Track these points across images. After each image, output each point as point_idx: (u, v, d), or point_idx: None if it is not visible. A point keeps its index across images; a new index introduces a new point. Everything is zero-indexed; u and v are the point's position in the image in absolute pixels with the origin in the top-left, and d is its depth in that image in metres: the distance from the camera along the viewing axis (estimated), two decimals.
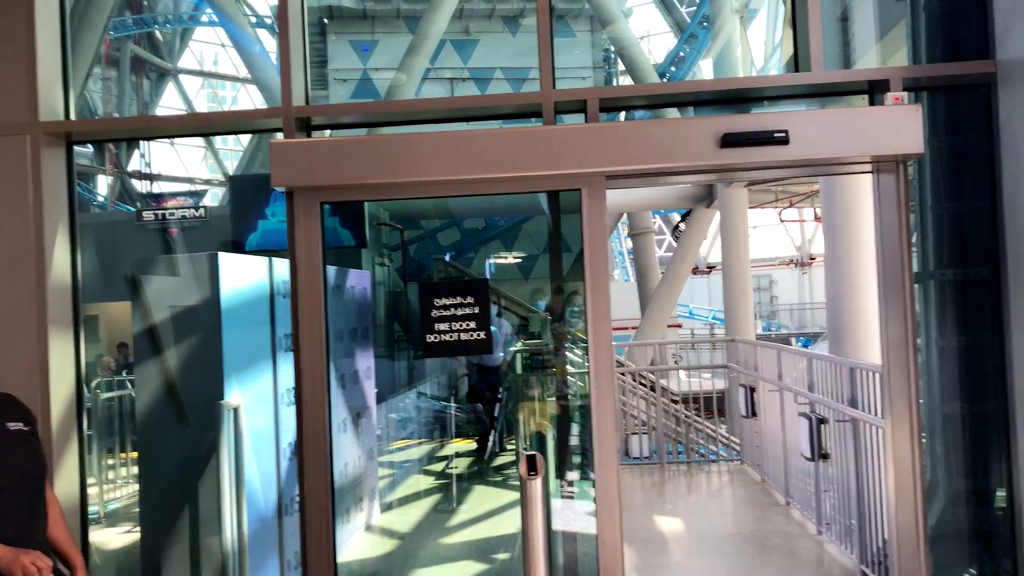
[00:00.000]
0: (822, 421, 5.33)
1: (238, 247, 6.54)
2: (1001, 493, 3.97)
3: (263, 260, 4.90)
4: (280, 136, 3.95)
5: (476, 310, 3.74)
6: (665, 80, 14.91)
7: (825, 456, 5.36)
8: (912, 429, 3.69)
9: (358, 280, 6.15)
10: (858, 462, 4.98)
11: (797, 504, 6.44)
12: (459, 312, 3.74)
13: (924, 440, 3.95)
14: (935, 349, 4.07)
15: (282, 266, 4.85)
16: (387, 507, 6.56)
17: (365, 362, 6.14)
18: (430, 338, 3.73)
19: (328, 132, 4.47)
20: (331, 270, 5.36)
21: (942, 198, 4.06)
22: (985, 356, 3.96)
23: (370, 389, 6.27)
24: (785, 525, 6.10)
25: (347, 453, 5.63)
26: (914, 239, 4.13)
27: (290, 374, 3.86)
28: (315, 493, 3.73)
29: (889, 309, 3.78)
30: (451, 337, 3.73)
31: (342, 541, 5.33)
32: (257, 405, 4.61)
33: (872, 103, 3.92)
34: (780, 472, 6.80)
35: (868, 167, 3.82)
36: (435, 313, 3.74)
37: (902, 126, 3.52)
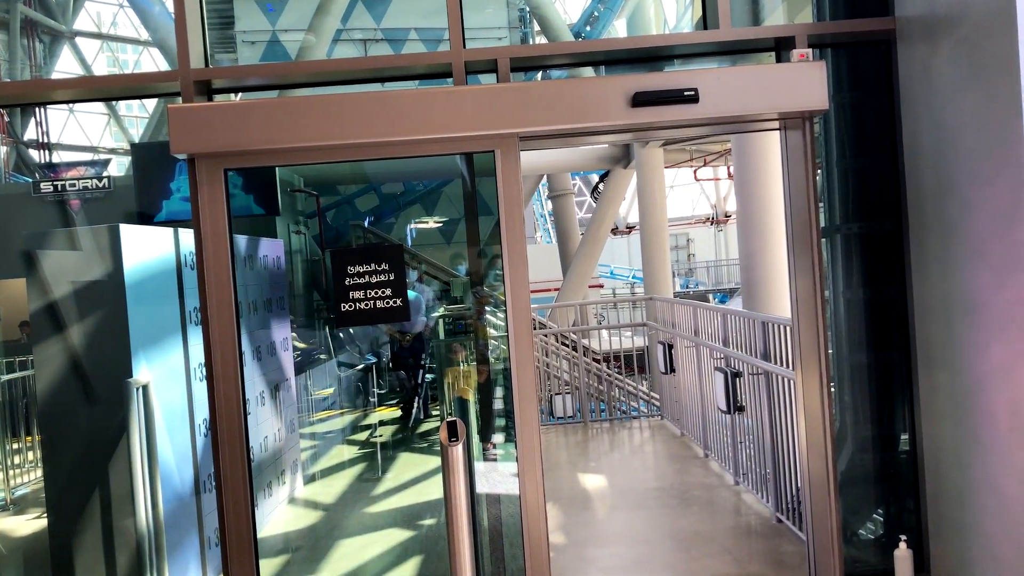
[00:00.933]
0: (737, 375, 5.46)
1: (145, 218, 6.27)
2: (905, 437, 4.14)
3: (168, 231, 4.72)
4: (180, 101, 3.78)
5: (391, 276, 3.67)
6: (580, 40, 14.87)
7: (740, 409, 5.51)
8: (821, 379, 3.81)
9: (271, 249, 5.99)
10: (771, 413, 5.14)
11: (715, 456, 6.62)
12: (374, 279, 3.67)
13: (833, 390, 4.09)
14: (842, 301, 4.19)
15: (189, 237, 4.67)
16: (310, 479, 6.48)
17: (282, 333, 6.01)
18: (345, 307, 3.66)
19: (239, 97, 4.30)
20: (241, 239, 5.19)
21: (847, 154, 4.16)
22: (889, 307, 4.11)
23: (288, 360, 6.14)
24: (704, 477, 6.26)
25: (266, 426, 5.51)
26: (821, 194, 4.23)
27: (201, 348, 3.74)
28: (231, 469, 3.64)
29: (797, 263, 3.88)
30: (366, 305, 3.66)
31: (264, 515, 5.24)
32: (168, 381, 4.46)
33: (779, 60, 3.97)
34: (698, 426, 6.97)
35: (776, 124, 3.88)
36: (349, 281, 3.67)
37: (807, 83, 3.57)
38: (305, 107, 3.58)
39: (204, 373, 4.23)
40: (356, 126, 3.54)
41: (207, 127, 3.47)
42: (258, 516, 3.99)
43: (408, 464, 6.71)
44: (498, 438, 4.71)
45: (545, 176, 22.37)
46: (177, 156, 3.52)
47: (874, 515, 4.29)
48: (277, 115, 3.55)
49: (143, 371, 4.20)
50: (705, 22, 4.05)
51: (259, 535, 3.79)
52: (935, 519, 3.93)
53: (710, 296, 28.78)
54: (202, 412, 4.74)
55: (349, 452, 7.09)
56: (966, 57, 3.35)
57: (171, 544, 4.24)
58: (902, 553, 3.94)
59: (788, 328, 4.47)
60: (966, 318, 3.50)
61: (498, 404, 4.65)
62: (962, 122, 3.42)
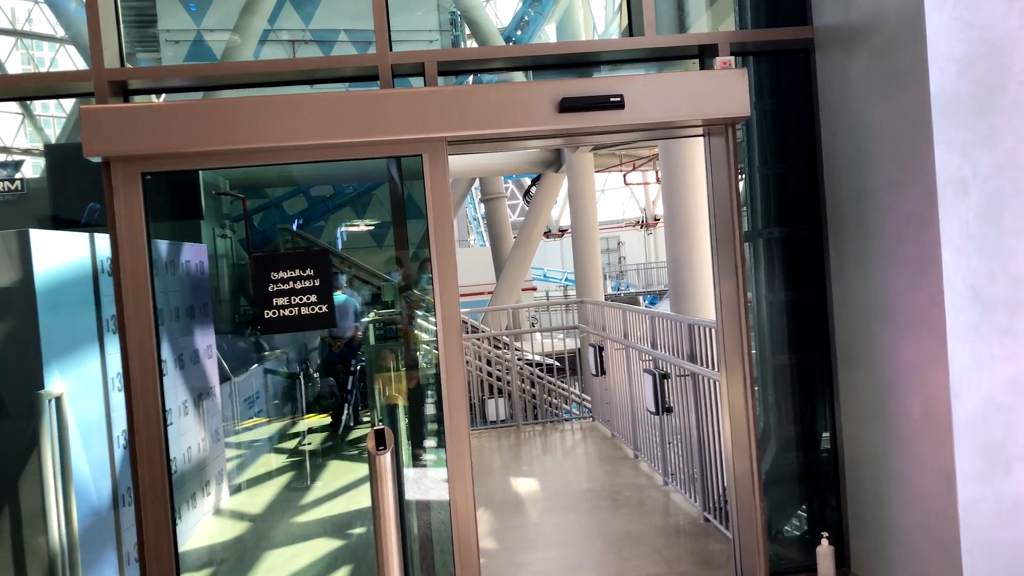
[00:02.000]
0: (665, 376, 5.53)
1: (63, 222, 6.03)
2: (826, 436, 4.25)
3: (84, 236, 4.54)
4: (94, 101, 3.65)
5: (316, 283, 3.61)
6: (511, 44, 14.90)
7: (668, 410, 5.58)
8: (745, 380, 3.89)
9: (193, 254, 5.83)
10: (698, 414, 5.22)
11: (645, 457, 6.70)
12: (299, 285, 3.60)
13: (757, 390, 4.17)
14: (764, 304, 4.28)
15: (106, 242, 4.51)
16: (236, 489, 6.32)
17: (205, 340, 5.85)
18: (268, 314, 3.58)
19: (163, 98, 4.19)
20: (161, 244, 5.03)
21: (768, 160, 4.25)
22: (810, 309, 4.21)
23: (212, 368, 5.98)
24: (634, 478, 6.33)
25: (190, 436, 5.36)
26: (744, 199, 4.31)
27: (119, 357, 3.61)
28: (150, 481, 3.53)
29: (721, 267, 3.95)
30: (291, 312, 3.59)
31: (188, 528, 5.09)
32: (84, 392, 4.29)
33: (703, 68, 4.04)
34: (628, 427, 7.05)
35: (700, 130, 3.94)
36: (272, 287, 3.59)
37: (730, 90, 3.64)
38: (227, 109, 3.49)
39: (122, 383, 4.08)
40: (280, 129, 3.47)
41: (123, 129, 3.35)
42: (182, 529, 3.88)
43: (338, 472, 6.61)
44: (429, 444, 4.67)
45: (478, 179, 22.36)
46: (90, 159, 3.39)
47: (798, 513, 4.39)
48: (198, 117, 3.46)
49: (56, 382, 4.03)
50: (631, 29, 4.10)
51: (183, 548, 3.68)
52: (855, 515, 4.04)
53: (641, 298, 29.16)
54: (121, 423, 4.58)
55: (277, 461, 6.95)
56: (880, 67, 3.46)
57: (87, 561, 4.08)
58: (824, 549, 4.04)
59: (713, 330, 4.55)
60: (882, 319, 3.62)
61: (428, 410, 4.61)
62: (877, 129, 3.53)
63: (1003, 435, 3.20)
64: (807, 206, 4.16)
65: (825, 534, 4.07)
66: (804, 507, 4.36)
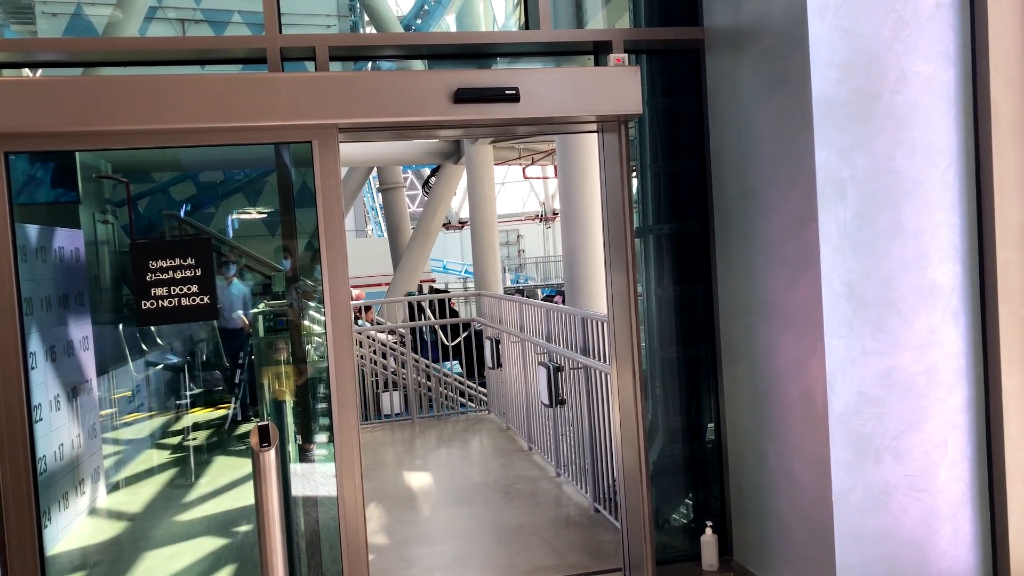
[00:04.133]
0: (559, 369, 5.58)
1: None
2: (711, 427, 4.37)
3: None
4: None
5: (198, 272, 3.46)
6: (410, 32, 14.75)
7: (562, 402, 5.63)
8: (634, 373, 3.95)
9: (69, 240, 5.51)
10: (590, 407, 5.29)
11: (539, 449, 6.75)
12: (179, 275, 3.44)
13: (646, 383, 4.25)
14: (654, 298, 4.36)
15: None
16: (114, 487, 6.02)
17: (81, 331, 5.54)
18: (146, 304, 3.41)
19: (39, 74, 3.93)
20: (32, 230, 4.73)
21: (659, 157, 4.33)
22: (697, 304, 4.31)
23: (88, 360, 5.68)
24: (528, 470, 6.37)
25: (62, 433, 5.07)
26: (636, 195, 4.38)
27: None
28: (13, 482, 3.31)
29: (613, 261, 4.00)
30: (170, 303, 3.43)
31: (59, 530, 4.81)
32: None
33: (597, 64, 4.07)
34: (523, 419, 7.09)
35: (594, 126, 3.97)
36: (151, 277, 3.42)
37: (623, 87, 3.68)
38: (103, 86, 3.30)
39: None
40: (162, 110, 3.31)
41: None
42: (52, 531, 3.66)
43: (224, 468, 6.38)
44: (319, 439, 4.56)
45: (376, 169, 22.04)
46: None
47: (684, 502, 4.50)
48: (72, 94, 3.26)
49: None
50: (527, 22, 4.09)
51: (52, 551, 3.47)
52: (737, 504, 4.18)
53: (539, 291, 29.43)
54: None
55: (159, 457, 6.66)
56: (766, 69, 3.57)
57: None
58: (708, 538, 4.16)
59: (605, 324, 4.61)
60: (764, 315, 3.74)
61: (318, 404, 4.50)
62: (762, 130, 3.63)
63: (873, 427, 3.36)
64: (696, 203, 4.26)
65: (709, 523, 4.19)
66: (690, 497, 4.48)
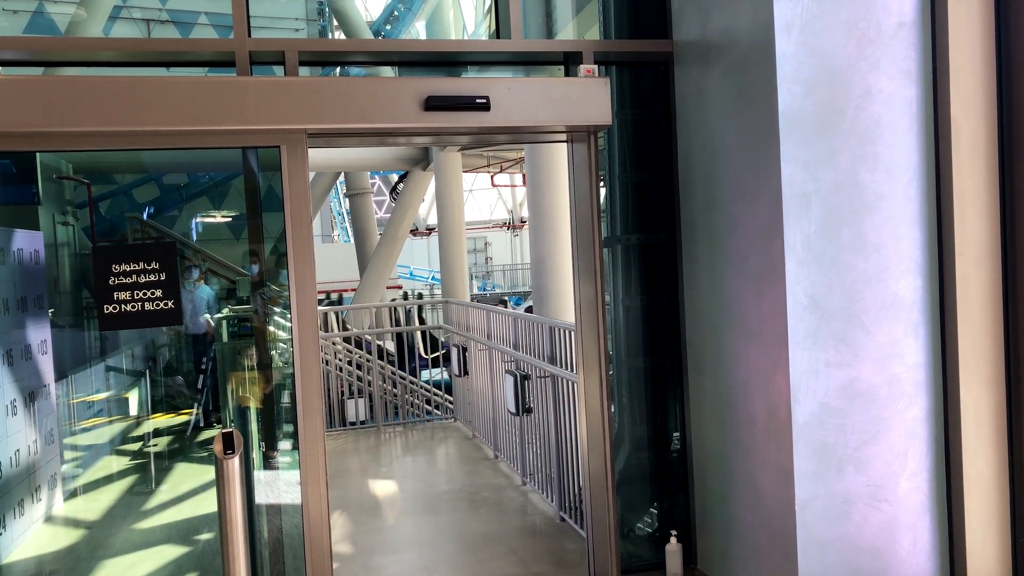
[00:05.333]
0: (526, 377, 5.58)
1: None
2: (677, 436, 4.40)
3: None
4: None
5: (162, 276, 3.41)
6: (379, 39, 14.71)
7: (529, 411, 5.63)
8: (601, 382, 3.97)
9: (27, 242, 5.41)
10: (557, 416, 5.30)
11: (504, 457, 6.74)
12: (142, 279, 3.39)
13: (612, 392, 4.27)
14: (621, 308, 4.39)
15: None
16: (72, 494, 5.91)
17: (39, 335, 5.44)
18: (108, 308, 3.36)
19: None
20: None
21: (628, 168, 4.36)
22: (664, 314, 4.35)
23: (46, 365, 5.57)
24: (493, 478, 6.36)
25: (18, 438, 4.97)
26: (605, 205, 4.40)
27: None
28: None
29: (581, 271, 4.02)
30: (133, 307, 3.38)
31: (14, 538, 4.71)
32: None
33: (568, 74, 4.09)
34: (490, 427, 7.07)
35: (563, 136, 3.99)
36: (114, 280, 3.36)
37: (592, 98, 3.71)
38: (67, 87, 3.25)
39: None
40: (127, 112, 3.26)
41: None
42: (6, 539, 3.57)
43: (185, 475, 6.29)
44: (283, 446, 4.52)
45: (343, 173, 21.91)
46: None
47: (649, 511, 4.53)
48: (38, 94, 3.21)
49: None
50: (498, 31, 4.10)
51: (6, 560, 3.39)
52: (702, 514, 4.21)
53: (506, 299, 29.45)
54: None
55: (119, 463, 6.54)
56: (733, 83, 3.61)
57: None
58: (672, 547, 4.18)
59: (572, 333, 4.62)
60: (730, 326, 3.77)
61: (282, 411, 4.45)
62: (729, 143, 3.68)
63: (835, 437, 3.41)
64: (663, 214, 4.30)
65: (674, 532, 4.21)
66: (655, 506, 4.50)
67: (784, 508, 3.44)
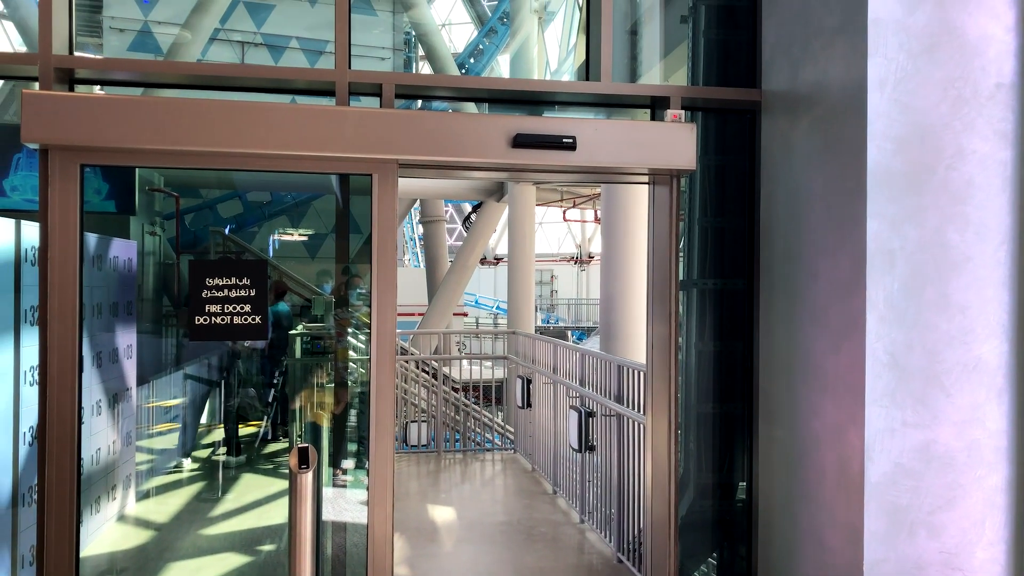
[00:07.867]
0: (590, 414, 5.59)
1: None
2: (742, 485, 4.35)
3: (9, 222, 4.38)
4: (37, 87, 3.54)
5: (252, 292, 3.55)
6: (464, 71, 15.01)
7: (591, 448, 5.63)
8: (670, 426, 3.96)
9: (122, 250, 5.67)
10: (620, 455, 5.28)
11: (564, 493, 6.73)
12: (233, 294, 3.54)
13: (679, 436, 4.25)
14: (694, 352, 4.38)
15: (33, 230, 4.35)
16: (144, 496, 6.11)
17: (126, 339, 5.68)
18: (199, 320, 3.50)
19: (103, 90, 4.08)
20: (90, 238, 4.89)
21: (708, 212, 4.37)
22: (736, 361, 4.32)
23: (130, 369, 5.81)
24: (551, 513, 6.35)
25: (100, 438, 5.18)
26: (682, 248, 4.42)
27: (35, 350, 3.48)
28: (57, 482, 3.39)
29: (655, 312, 4.03)
30: (223, 320, 3.52)
31: (90, 533, 4.90)
32: None
33: (653, 117, 4.15)
34: (550, 462, 7.07)
35: (646, 178, 4.03)
36: (207, 293, 3.51)
37: (678, 142, 3.74)
38: (177, 109, 3.43)
39: (35, 377, 3.93)
40: (229, 135, 3.42)
41: (66, 118, 3.26)
42: (83, 533, 3.72)
43: (251, 485, 6.45)
44: (349, 464, 4.61)
45: (418, 201, 22.31)
46: (27, 145, 3.28)
47: (709, 560, 4.47)
48: (145, 114, 3.39)
49: None
50: (588, 72, 4.18)
51: (82, 554, 3.54)
52: (764, 566, 4.14)
53: (569, 333, 29.39)
54: (29, 419, 4.40)
55: (189, 469, 6.74)
56: (821, 135, 3.61)
57: None
58: None
59: (642, 373, 4.62)
60: (804, 378, 3.74)
61: (351, 429, 4.55)
62: (813, 194, 3.67)
63: (909, 499, 3.33)
64: (742, 261, 4.29)
65: None
66: (715, 555, 4.44)
67: (852, 568, 3.37)
